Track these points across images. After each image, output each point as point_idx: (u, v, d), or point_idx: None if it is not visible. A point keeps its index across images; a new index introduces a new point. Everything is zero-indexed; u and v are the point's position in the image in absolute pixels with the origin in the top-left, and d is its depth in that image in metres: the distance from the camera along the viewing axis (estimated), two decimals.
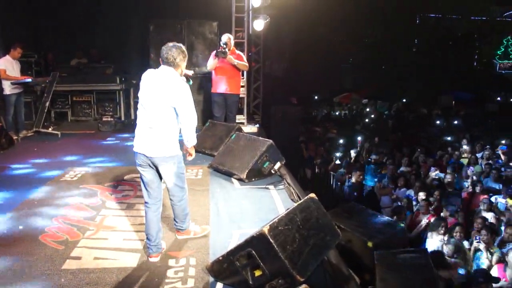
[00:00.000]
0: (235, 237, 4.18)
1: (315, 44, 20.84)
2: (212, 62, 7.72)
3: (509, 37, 31.40)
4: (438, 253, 5.69)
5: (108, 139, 8.77)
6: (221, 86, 7.81)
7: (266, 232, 2.92)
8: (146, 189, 3.89)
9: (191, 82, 4.39)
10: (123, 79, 10.45)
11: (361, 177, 8.80)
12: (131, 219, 4.70)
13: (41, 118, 8.72)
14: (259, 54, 10.68)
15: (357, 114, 20.60)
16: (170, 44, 3.77)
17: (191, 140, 3.89)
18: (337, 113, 21.57)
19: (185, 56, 3.83)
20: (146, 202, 3.90)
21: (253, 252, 3.04)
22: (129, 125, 10.26)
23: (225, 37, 7.75)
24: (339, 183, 8.92)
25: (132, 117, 11.04)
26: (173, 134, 3.78)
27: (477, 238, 6.12)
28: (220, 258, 3.31)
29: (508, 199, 7.95)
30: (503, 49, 33.10)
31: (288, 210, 3.24)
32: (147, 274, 3.58)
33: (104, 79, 10.31)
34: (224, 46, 7.57)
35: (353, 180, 8.66)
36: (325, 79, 23.09)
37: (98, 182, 5.83)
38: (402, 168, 9.95)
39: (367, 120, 18.08)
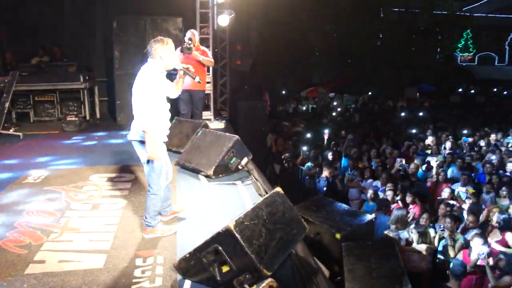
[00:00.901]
0: (203, 234, 4.15)
1: (282, 38, 20.90)
2: (177, 59, 7.63)
3: (468, 30, 32.47)
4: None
5: (73, 138, 8.57)
6: (186, 83, 7.73)
7: (232, 227, 2.93)
8: None
9: (197, 78, 4.55)
10: (87, 77, 10.21)
11: (332, 173, 8.87)
12: (97, 219, 4.62)
13: (1, 119, 8.43)
14: (225, 49, 10.63)
15: (324, 108, 20.82)
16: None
17: (142, 123, 3.82)
18: (304, 108, 21.74)
19: (165, 45, 3.95)
20: None
21: (220, 248, 3.04)
22: (94, 125, 10.08)
23: (189, 33, 7.73)
24: (307, 177, 9.00)
25: (98, 116, 10.82)
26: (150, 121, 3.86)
27: (441, 226, 6.29)
28: (187, 255, 3.30)
29: (468, 188, 8.20)
30: (463, 42, 34.20)
31: (254, 205, 3.25)
32: (114, 275, 3.52)
33: (67, 78, 10.01)
34: (189, 41, 7.53)
35: (324, 175, 8.66)
36: (292, 74, 23.21)
37: (62, 184, 5.68)
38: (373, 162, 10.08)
39: (334, 113, 18.29)
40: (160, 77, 3.99)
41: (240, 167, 5.81)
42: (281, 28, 20.08)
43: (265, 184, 5.36)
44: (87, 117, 10.26)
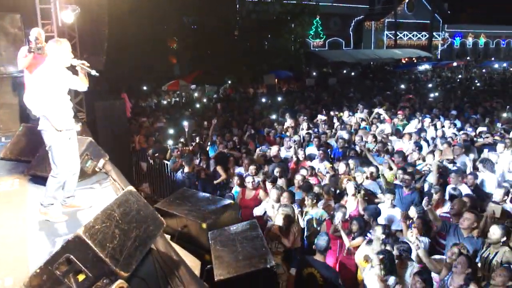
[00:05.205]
0: (60, 245, 3.92)
1: (136, 32, 20.30)
2: (24, 60, 7.05)
3: (318, 18, 35.25)
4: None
5: None
6: None
7: (81, 233, 2.82)
8: None
9: (93, 71, 4.71)
10: None
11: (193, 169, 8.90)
12: None
13: None
14: (75, 47, 9.97)
15: (186, 101, 20.91)
16: None
17: (37, 110, 4.43)
18: (165, 102, 21.52)
19: (60, 45, 4.46)
20: None
21: (72, 257, 2.91)
22: None
23: (34, 32, 7.13)
24: (173, 171, 8.96)
25: None
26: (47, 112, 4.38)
27: (297, 204, 6.77)
28: (38, 270, 3.08)
29: (325, 163, 8.96)
30: (314, 29, 37.03)
31: (105, 207, 3.16)
32: None
33: None
34: (37, 41, 6.97)
35: (187, 170, 8.65)
36: (151, 68, 22.78)
37: None
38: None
39: (197, 105, 18.43)
40: (55, 72, 4.40)
41: (97, 169, 5.60)
42: (135, 22, 19.47)
43: (124, 184, 5.23)
44: None
